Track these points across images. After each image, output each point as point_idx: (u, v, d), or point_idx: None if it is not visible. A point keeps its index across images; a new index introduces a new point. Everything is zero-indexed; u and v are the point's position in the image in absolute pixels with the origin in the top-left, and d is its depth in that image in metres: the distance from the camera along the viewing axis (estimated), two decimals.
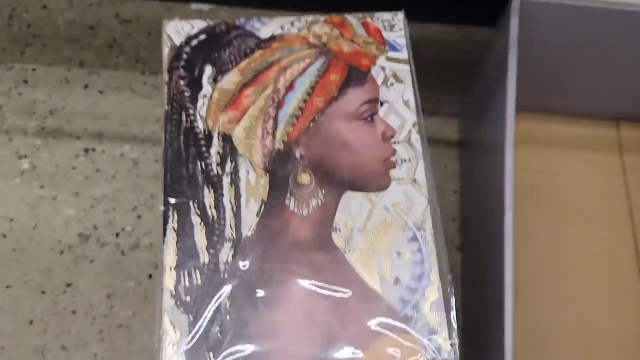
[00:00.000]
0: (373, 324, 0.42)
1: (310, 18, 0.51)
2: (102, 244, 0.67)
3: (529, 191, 0.67)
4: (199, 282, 0.43)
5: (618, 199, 0.68)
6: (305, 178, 0.46)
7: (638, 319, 0.63)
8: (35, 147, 0.70)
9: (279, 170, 0.46)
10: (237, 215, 0.45)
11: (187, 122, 0.47)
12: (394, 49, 0.50)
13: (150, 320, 0.64)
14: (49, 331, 0.64)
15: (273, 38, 0.50)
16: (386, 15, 0.52)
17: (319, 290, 0.43)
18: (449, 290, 0.43)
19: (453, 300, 0.43)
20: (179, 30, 0.50)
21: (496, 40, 0.57)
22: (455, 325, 0.42)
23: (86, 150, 0.71)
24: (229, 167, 0.46)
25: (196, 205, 0.45)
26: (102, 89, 0.74)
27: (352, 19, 0.52)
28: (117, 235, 0.68)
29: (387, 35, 0.51)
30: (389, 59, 0.50)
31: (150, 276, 0.66)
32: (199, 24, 0.51)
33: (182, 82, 0.49)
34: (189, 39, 0.50)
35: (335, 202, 0.45)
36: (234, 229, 0.44)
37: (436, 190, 0.70)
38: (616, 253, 0.66)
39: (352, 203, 0.45)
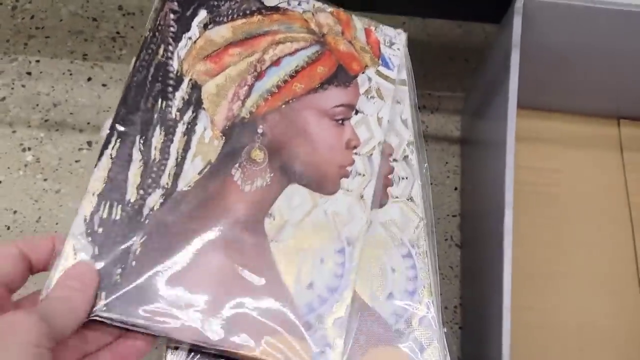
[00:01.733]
0: (274, 319, 0.41)
1: (318, 4, 0.50)
2: None
3: (529, 188, 0.68)
4: (117, 217, 0.41)
5: (618, 197, 0.69)
6: (259, 155, 0.45)
7: (635, 317, 0.64)
8: (38, 140, 0.69)
9: (236, 138, 0.45)
10: (180, 166, 0.43)
11: (162, 56, 0.45)
12: (386, 65, 0.50)
13: None
14: None
15: (276, 9, 0.49)
16: (390, 31, 0.51)
17: (233, 270, 0.41)
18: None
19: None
20: None
21: (499, 38, 0.57)
22: None
23: (89, 143, 0.69)
24: (187, 116, 0.44)
25: (142, 141, 0.43)
26: (105, 82, 0.72)
27: (358, 21, 0.51)
28: None
29: (384, 50, 0.51)
30: (378, 73, 0.50)
31: None
32: None
33: (171, 15, 0.46)
34: None
35: (279, 189, 0.44)
36: (171, 178, 0.42)
37: (437, 186, 0.70)
38: (615, 251, 0.67)
39: (295, 196, 0.44)
